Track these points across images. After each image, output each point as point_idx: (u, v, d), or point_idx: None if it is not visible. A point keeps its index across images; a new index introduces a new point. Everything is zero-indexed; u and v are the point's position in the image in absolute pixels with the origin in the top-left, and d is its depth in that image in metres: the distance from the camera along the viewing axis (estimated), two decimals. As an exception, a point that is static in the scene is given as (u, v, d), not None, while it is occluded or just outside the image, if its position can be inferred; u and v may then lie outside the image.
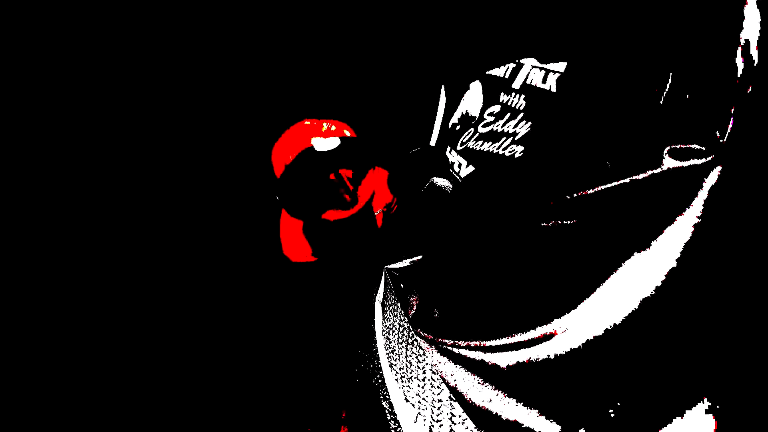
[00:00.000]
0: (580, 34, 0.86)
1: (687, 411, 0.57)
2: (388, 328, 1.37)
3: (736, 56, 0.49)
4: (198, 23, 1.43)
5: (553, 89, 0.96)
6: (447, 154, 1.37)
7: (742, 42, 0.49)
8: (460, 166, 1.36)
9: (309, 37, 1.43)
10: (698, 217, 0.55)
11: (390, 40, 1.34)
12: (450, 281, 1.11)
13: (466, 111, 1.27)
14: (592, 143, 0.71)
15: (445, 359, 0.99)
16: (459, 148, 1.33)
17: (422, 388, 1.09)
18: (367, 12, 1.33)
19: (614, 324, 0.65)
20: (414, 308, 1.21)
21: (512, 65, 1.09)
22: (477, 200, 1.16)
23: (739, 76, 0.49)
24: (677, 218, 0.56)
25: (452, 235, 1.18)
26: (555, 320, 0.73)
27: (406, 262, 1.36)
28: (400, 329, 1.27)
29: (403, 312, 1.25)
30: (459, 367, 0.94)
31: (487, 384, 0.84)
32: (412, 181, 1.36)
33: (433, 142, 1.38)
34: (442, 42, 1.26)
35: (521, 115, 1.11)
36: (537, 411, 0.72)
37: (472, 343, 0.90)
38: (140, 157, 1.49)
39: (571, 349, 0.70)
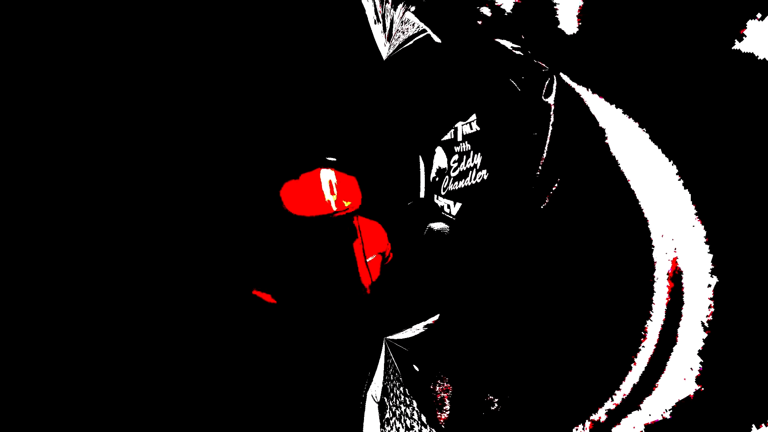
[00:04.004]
0: (474, 99, 1.44)
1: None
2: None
3: (505, 53, 0.97)
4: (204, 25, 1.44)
5: (478, 128, 1.49)
6: (435, 200, 1.81)
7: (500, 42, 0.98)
8: (449, 206, 1.78)
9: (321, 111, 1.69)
10: (606, 101, 0.74)
11: (380, 135, 1.88)
12: (501, 337, 0.74)
13: (439, 166, 1.79)
14: (516, 134, 1.02)
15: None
16: (443, 193, 1.79)
17: None
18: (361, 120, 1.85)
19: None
20: (447, 404, 0.74)
21: (452, 129, 1.67)
22: (476, 225, 1.37)
23: (509, 45, 0.95)
24: (589, 105, 0.74)
25: (474, 271, 0.98)
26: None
27: (418, 328, 0.98)
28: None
29: (426, 417, 0.74)
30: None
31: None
32: (413, 228, 1.73)
33: (422, 195, 1.86)
34: (416, 130, 1.91)
35: (471, 152, 1.61)
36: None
37: (600, 415, 0.50)
38: (140, 160, 1.43)
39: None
